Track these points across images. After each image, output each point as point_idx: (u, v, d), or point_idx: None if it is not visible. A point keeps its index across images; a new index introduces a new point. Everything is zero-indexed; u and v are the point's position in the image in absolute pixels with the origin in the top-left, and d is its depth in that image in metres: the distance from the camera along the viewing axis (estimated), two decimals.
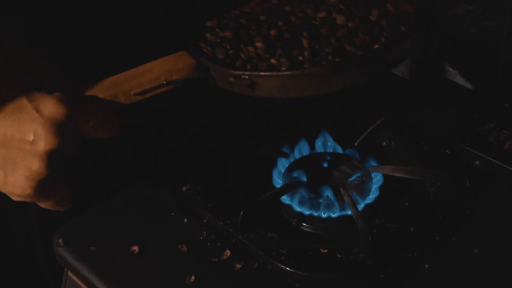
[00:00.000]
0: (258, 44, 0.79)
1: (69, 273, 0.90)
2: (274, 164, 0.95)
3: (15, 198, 0.73)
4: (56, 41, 0.88)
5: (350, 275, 0.82)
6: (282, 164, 0.94)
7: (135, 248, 0.86)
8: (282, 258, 0.83)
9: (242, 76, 0.76)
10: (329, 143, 0.96)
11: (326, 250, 0.84)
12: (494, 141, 0.98)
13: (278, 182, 0.92)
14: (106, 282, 0.83)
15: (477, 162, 0.95)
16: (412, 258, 0.83)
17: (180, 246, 0.86)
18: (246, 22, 0.83)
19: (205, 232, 0.88)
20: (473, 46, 1.10)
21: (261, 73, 0.76)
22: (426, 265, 0.82)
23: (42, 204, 0.75)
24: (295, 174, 0.92)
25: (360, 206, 0.88)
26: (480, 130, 0.99)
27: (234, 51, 0.79)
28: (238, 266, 0.84)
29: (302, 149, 0.96)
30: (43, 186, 0.71)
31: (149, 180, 0.95)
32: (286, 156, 0.95)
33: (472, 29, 1.07)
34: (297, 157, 0.95)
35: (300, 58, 0.77)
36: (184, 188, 0.93)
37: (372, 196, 0.89)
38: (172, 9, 0.96)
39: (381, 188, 0.90)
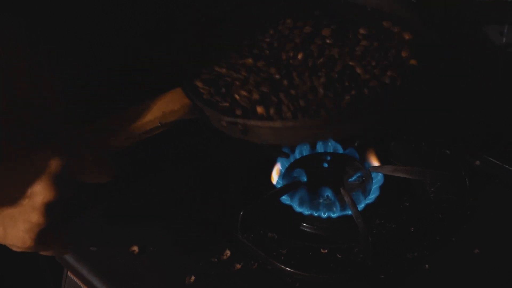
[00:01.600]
0: (254, 92, 0.78)
1: (69, 273, 0.90)
2: (274, 164, 0.94)
3: (16, 249, 0.73)
4: (56, 42, 0.88)
5: (350, 275, 0.82)
6: (282, 164, 0.94)
7: (135, 248, 0.86)
8: (282, 258, 0.83)
9: (235, 122, 0.76)
10: (329, 143, 0.96)
11: (326, 250, 0.84)
12: (494, 141, 0.98)
13: (278, 182, 0.92)
14: (106, 282, 0.83)
15: (477, 162, 0.95)
16: (412, 258, 0.83)
17: (180, 246, 0.86)
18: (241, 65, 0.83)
19: (205, 232, 0.88)
20: (473, 46, 1.09)
21: (252, 122, 0.75)
22: (426, 265, 0.82)
23: (43, 253, 0.75)
24: (295, 174, 0.92)
25: (360, 206, 0.88)
26: (480, 130, 0.99)
27: (228, 93, 0.79)
28: (238, 266, 0.84)
29: (302, 149, 0.96)
30: (43, 236, 0.72)
31: (149, 180, 0.95)
32: (286, 156, 0.95)
33: (472, 29, 1.07)
34: (297, 157, 0.95)
35: (289, 111, 0.76)
36: (184, 189, 0.93)
37: (372, 196, 0.89)
38: (168, 37, 0.96)
39: (381, 188, 0.90)
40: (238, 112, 0.77)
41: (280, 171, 0.93)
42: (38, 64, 0.87)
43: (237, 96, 0.78)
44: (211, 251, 0.85)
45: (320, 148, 0.96)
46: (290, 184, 0.90)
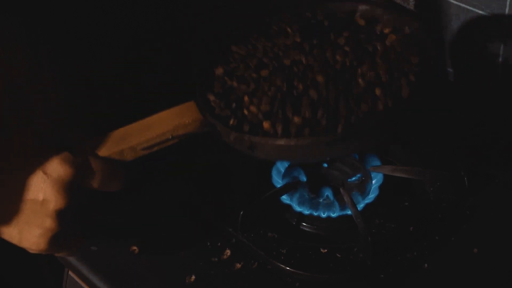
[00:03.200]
0: (262, 107, 0.78)
1: (70, 273, 0.90)
2: (274, 164, 0.94)
3: (32, 252, 0.77)
4: (56, 42, 0.88)
5: (350, 275, 0.82)
6: (282, 163, 0.94)
7: (135, 248, 0.86)
8: (282, 258, 0.83)
9: (242, 138, 0.76)
10: None
11: (326, 250, 0.84)
12: (494, 141, 0.98)
13: (278, 181, 0.92)
14: (106, 282, 0.84)
15: (476, 162, 0.95)
16: (412, 258, 0.83)
17: (180, 246, 0.86)
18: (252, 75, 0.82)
19: (205, 232, 0.88)
20: (472, 46, 1.10)
21: (257, 139, 0.76)
22: (426, 265, 0.83)
23: (57, 254, 0.80)
24: (295, 174, 0.92)
25: (360, 206, 0.88)
26: (480, 130, 0.99)
27: (239, 108, 0.79)
28: (238, 265, 0.84)
29: None
30: (56, 240, 0.76)
31: (149, 180, 0.95)
32: None
33: (471, 29, 1.07)
34: None
35: (296, 126, 0.76)
36: (184, 188, 0.93)
37: (372, 196, 0.89)
38: (181, 44, 0.96)
39: (381, 188, 0.90)
40: (246, 128, 0.77)
41: (280, 170, 0.93)
42: (38, 64, 0.87)
43: (246, 112, 0.78)
44: (211, 251, 0.85)
45: None
46: (290, 184, 0.90)
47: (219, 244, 0.86)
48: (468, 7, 1.06)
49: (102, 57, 0.94)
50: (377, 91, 0.77)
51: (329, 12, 0.89)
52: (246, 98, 0.79)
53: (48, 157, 0.74)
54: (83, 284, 0.88)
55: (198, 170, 0.95)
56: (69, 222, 0.76)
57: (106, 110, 0.95)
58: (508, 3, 1.01)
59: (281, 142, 0.75)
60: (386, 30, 0.85)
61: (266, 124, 0.77)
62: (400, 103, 0.77)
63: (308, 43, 0.84)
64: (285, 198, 0.90)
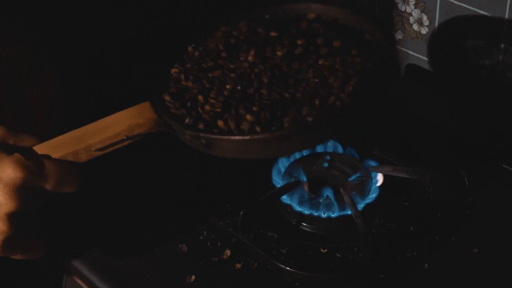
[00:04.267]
0: (215, 103, 0.79)
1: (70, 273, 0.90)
2: (274, 164, 0.94)
3: None
4: (57, 42, 0.88)
5: (350, 275, 0.82)
6: (282, 163, 0.94)
7: (136, 248, 0.86)
8: (282, 258, 0.83)
9: (197, 136, 0.77)
10: (329, 143, 0.96)
11: (326, 250, 0.84)
12: (493, 141, 0.98)
13: (278, 182, 0.92)
14: (107, 282, 0.84)
15: (476, 162, 0.95)
16: (412, 258, 0.83)
17: (180, 246, 0.86)
18: (206, 74, 0.83)
19: (205, 232, 0.88)
20: (472, 46, 1.10)
21: (212, 136, 0.77)
22: (426, 265, 0.83)
23: (13, 257, 0.78)
24: (295, 174, 0.92)
25: (360, 206, 0.88)
26: (480, 130, 0.99)
27: (193, 107, 0.80)
28: (238, 265, 0.84)
29: None
30: (9, 243, 0.75)
31: (149, 180, 0.95)
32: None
33: (471, 29, 1.08)
34: (297, 157, 0.95)
35: (248, 123, 0.77)
36: (184, 189, 0.93)
37: (371, 196, 0.89)
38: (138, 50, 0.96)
39: (381, 188, 0.90)
40: (201, 126, 0.78)
41: (280, 170, 0.93)
42: (39, 64, 0.87)
43: (200, 110, 0.79)
44: (211, 251, 0.85)
45: (319, 148, 0.96)
46: (290, 184, 0.90)
47: (219, 244, 0.86)
48: (469, 7, 1.06)
49: (102, 57, 0.94)
50: (322, 93, 0.79)
51: (283, 14, 0.90)
52: (200, 98, 0.80)
53: (0, 161, 0.72)
54: (83, 284, 0.88)
55: (198, 170, 0.95)
56: (23, 225, 0.74)
57: (105, 109, 0.95)
58: (508, 3, 1.01)
59: (235, 138, 0.76)
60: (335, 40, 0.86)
61: (220, 122, 0.77)
62: (344, 104, 0.78)
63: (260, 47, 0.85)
64: (285, 198, 0.90)
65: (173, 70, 0.85)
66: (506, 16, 1.02)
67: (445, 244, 0.85)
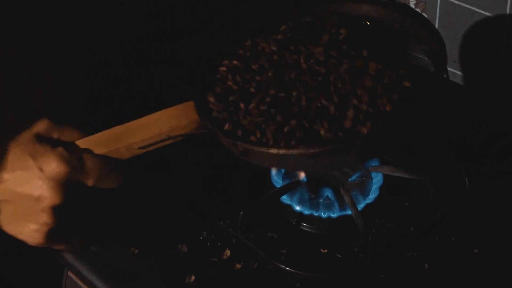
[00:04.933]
0: (257, 114, 0.78)
1: (69, 273, 0.90)
2: None
3: (30, 244, 0.78)
4: (57, 42, 0.88)
5: (350, 275, 0.82)
6: None
7: (135, 248, 0.86)
8: (282, 258, 0.83)
9: (234, 144, 0.76)
10: None
11: (326, 250, 0.84)
12: (493, 141, 0.98)
13: (278, 182, 0.92)
14: (106, 282, 0.84)
15: (476, 162, 0.95)
16: (412, 258, 0.83)
17: (180, 246, 0.86)
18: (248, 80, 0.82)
19: (205, 232, 0.88)
20: (473, 46, 1.10)
21: (249, 146, 0.76)
22: (426, 265, 0.83)
23: (56, 247, 0.81)
24: (295, 174, 0.92)
25: (360, 206, 0.88)
26: (480, 130, 0.99)
27: (235, 112, 0.79)
28: (238, 266, 0.84)
29: None
30: (53, 235, 0.78)
31: (149, 180, 0.95)
32: None
33: (472, 29, 1.07)
34: None
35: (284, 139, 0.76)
36: (184, 188, 0.93)
37: (372, 196, 0.89)
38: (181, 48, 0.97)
39: (381, 188, 0.90)
40: (239, 133, 0.77)
41: (280, 171, 0.93)
42: (39, 64, 0.87)
43: (241, 118, 0.79)
44: (211, 251, 0.85)
45: None
46: (290, 184, 0.90)
47: (219, 244, 0.86)
48: (469, 7, 1.06)
49: (102, 57, 0.94)
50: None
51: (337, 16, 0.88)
52: (242, 105, 0.79)
53: (45, 155, 0.75)
54: (82, 285, 0.87)
55: (198, 170, 0.95)
56: (65, 217, 0.77)
57: (105, 109, 0.95)
58: (508, 3, 1.01)
59: (272, 151, 0.75)
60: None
61: (258, 133, 0.77)
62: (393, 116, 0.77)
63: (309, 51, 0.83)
64: (285, 198, 0.90)
65: (222, 69, 0.83)
66: (506, 16, 1.02)
67: (445, 244, 0.85)
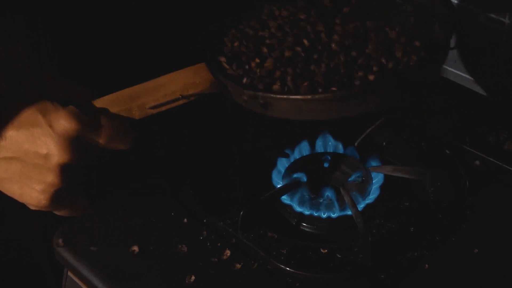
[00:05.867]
0: (274, 67, 0.78)
1: (69, 273, 0.90)
2: (274, 164, 0.94)
3: (32, 208, 0.76)
4: (58, 41, 0.88)
5: (350, 275, 0.82)
6: (282, 164, 0.94)
7: (135, 248, 0.86)
8: (282, 258, 0.83)
9: (255, 96, 0.76)
10: (329, 143, 0.96)
11: (326, 250, 0.84)
12: (494, 141, 0.98)
13: (278, 182, 0.92)
14: (106, 282, 0.84)
15: (477, 162, 0.95)
16: (412, 258, 0.83)
17: (180, 246, 0.86)
18: (265, 34, 0.83)
19: (205, 232, 0.88)
20: (473, 46, 1.10)
21: (271, 95, 0.76)
22: (426, 265, 0.83)
23: (58, 213, 0.78)
24: (295, 174, 0.92)
25: (360, 206, 0.88)
26: (480, 130, 0.99)
27: (250, 69, 0.79)
28: (238, 266, 0.84)
29: (302, 149, 0.96)
30: (58, 197, 0.75)
31: (149, 180, 0.95)
32: (286, 156, 0.95)
33: (472, 29, 1.08)
34: (297, 157, 0.95)
35: (307, 85, 0.76)
36: (184, 188, 0.93)
37: (372, 196, 0.89)
38: (185, 16, 0.96)
39: (381, 188, 0.90)
40: (260, 86, 0.77)
41: (280, 171, 0.93)
42: (39, 64, 0.87)
43: (258, 71, 0.78)
44: (211, 251, 0.85)
45: (320, 148, 0.96)
46: (290, 184, 0.90)
47: (219, 244, 0.86)
48: (469, 7, 1.06)
49: (102, 57, 0.94)
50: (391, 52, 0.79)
51: None
52: (257, 60, 0.79)
53: (55, 111, 0.73)
54: (82, 285, 0.87)
55: (197, 170, 0.95)
56: (72, 179, 0.75)
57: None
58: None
59: (296, 97, 0.74)
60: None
61: (278, 83, 0.76)
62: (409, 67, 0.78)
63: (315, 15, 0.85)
64: (285, 198, 0.90)
65: (229, 33, 0.84)
66: (507, 16, 1.02)
67: (445, 244, 0.85)
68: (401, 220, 0.87)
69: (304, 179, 0.91)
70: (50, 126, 0.72)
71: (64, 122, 0.72)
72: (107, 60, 0.95)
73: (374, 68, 0.77)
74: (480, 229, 0.87)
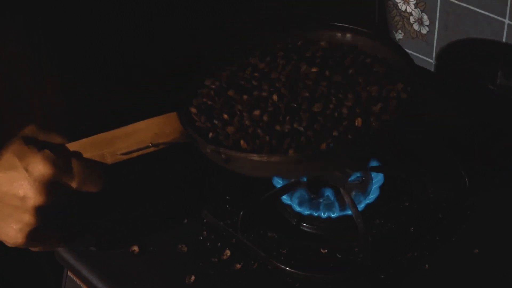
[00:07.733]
0: (239, 125, 0.80)
1: (69, 273, 0.90)
2: None
3: (8, 245, 0.79)
4: (56, 42, 0.88)
5: (350, 275, 0.82)
6: None
7: (135, 248, 0.86)
8: (282, 258, 0.83)
9: (217, 151, 0.77)
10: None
11: (326, 250, 0.84)
12: (493, 141, 0.98)
13: (278, 182, 0.92)
14: (106, 282, 0.84)
15: (476, 162, 0.95)
16: (412, 258, 0.83)
17: (180, 246, 0.86)
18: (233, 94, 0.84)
19: (205, 232, 0.88)
20: (473, 46, 1.10)
21: (232, 153, 0.77)
22: (426, 265, 0.83)
23: (33, 249, 0.82)
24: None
25: (360, 206, 0.88)
26: (480, 130, 0.99)
27: (218, 123, 0.80)
28: (238, 266, 0.84)
29: None
30: (33, 235, 0.78)
31: (149, 180, 0.95)
32: None
33: (472, 29, 1.08)
34: None
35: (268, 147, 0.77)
36: (184, 188, 0.93)
37: (372, 196, 0.89)
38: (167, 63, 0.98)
39: (381, 188, 0.90)
40: (227, 143, 0.78)
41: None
42: (39, 64, 0.87)
43: (227, 128, 0.80)
44: (211, 251, 0.85)
45: None
46: (290, 184, 0.90)
47: (219, 244, 0.86)
48: (469, 7, 1.06)
49: (102, 57, 0.94)
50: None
51: (308, 40, 0.91)
52: (225, 116, 0.81)
53: (31, 156, 0.76)
54: (82, 285, 0.88)
55: (197, 170, 0.95)
56: (47, 219, 0.78)
57: (104, 111, 0.96)
58: (508, 3, 1.01)
59: (254, 157, 0.76)
60: (368, 60, 0.86)
61: (242, 142, 0.78)
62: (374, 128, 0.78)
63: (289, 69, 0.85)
64: (285, 198, 0.90)
65: (205, 84, 0.85)
66: (507, 16, 1.02)
67: (445, 245, 0.85)
68: (401, 220, 0.87)
69: (304, 179, 0.91)
70: (27, 170, 0.75)
71: (40, 167, 0.75)
72: (107, 59, 0.95)
73: (334, 133, 0.77)
74: (480, 229, 0.87)
